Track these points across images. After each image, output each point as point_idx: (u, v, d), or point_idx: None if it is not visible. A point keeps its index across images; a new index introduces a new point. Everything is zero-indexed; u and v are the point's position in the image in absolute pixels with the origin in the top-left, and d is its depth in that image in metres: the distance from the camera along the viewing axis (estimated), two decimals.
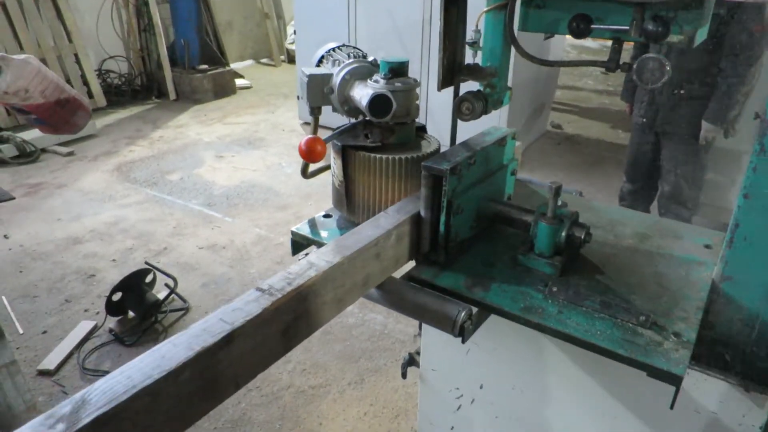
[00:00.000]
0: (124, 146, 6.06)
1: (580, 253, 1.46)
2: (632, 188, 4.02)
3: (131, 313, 3.23)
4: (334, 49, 1.74)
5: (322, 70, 1.63)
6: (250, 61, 10.06)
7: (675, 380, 1.10)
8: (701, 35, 1.29)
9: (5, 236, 4.13)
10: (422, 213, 1.35)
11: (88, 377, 2.82)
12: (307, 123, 6.63)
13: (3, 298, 3.34)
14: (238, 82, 8.42)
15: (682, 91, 3.44)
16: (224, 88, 7.98)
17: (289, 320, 1.01)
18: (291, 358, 2.92)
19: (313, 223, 1.58)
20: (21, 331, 3.14)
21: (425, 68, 5.45)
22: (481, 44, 1.63)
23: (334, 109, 1.61)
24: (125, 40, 7.81)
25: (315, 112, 1.60)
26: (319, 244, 1.50)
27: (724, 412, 1.34)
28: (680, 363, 1.11)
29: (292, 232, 1.54)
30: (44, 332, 3.15)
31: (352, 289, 1.17)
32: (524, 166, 5.40)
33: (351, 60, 1.59)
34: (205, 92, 7.73)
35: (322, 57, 1.73)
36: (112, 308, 3.17)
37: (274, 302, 0.96)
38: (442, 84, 1.48)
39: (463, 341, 1.24)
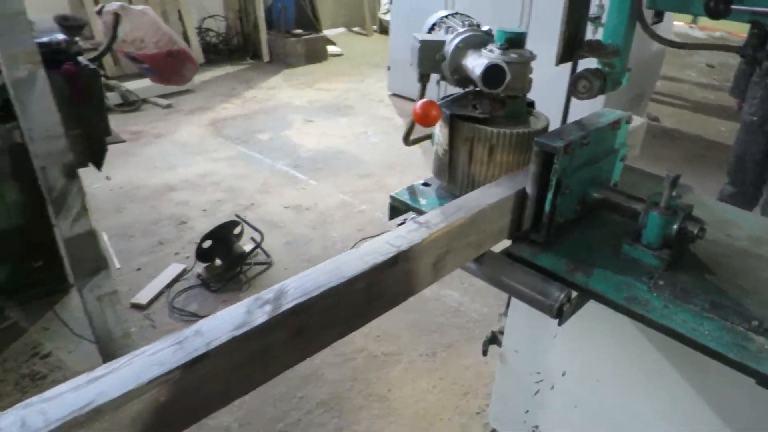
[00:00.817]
0: (218, 103, 6.28)
1: (689, 249, 1.39)
2: (734, 191, 3.74)
3: (218, 261, 3.38)
4: (446, 17, 1.70)
5: (435, 36, 1.61)
6: (342, 29, 10.10)
7: None
8: None
9: (107, 177, 4.40)
10: (528, 190, 1.32)
11: (176, 315, 3.00)
12: (395, 94, 6.62)
13: (104, 234, 3.58)
14: (330, 49, 8.49)
15: None
16: (316, 54, 8.07)
17: (441, 253, 1.09)
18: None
19: (412, 190, 1.58)
20: (118, 266, 3.36)
21: None
22: (603, 20, 1.56)
23: (442, 77, 1.59)
24: (225, 1, 8.03)
25: (424, 79, 1.59)
26: (417, 211, 1.50)
27: None
28: None
29: (391, 197, 1.55)
30: (138, 269, 3.37)
31: (489, 236, 1.25)
32: None
33: (465, 28, 1.56)
34: (297, 56, 7.85)
35: (434, 24, 1.71)
36: (201, 254, 3.34)
37: (432, 234, 1.05)
38: (561, 59, 1.43)
39: (560, 324, 1.22)
